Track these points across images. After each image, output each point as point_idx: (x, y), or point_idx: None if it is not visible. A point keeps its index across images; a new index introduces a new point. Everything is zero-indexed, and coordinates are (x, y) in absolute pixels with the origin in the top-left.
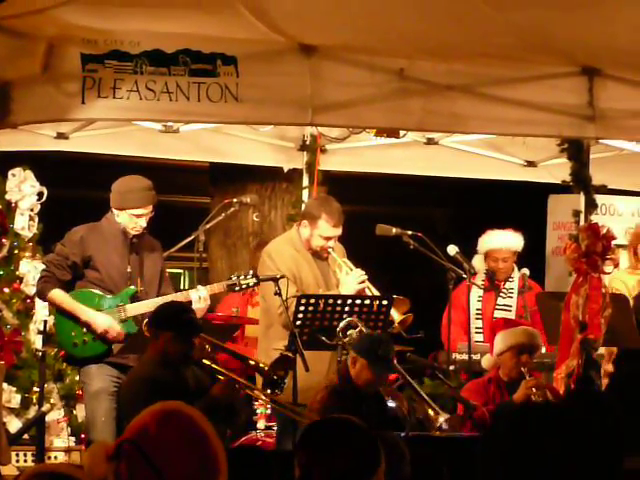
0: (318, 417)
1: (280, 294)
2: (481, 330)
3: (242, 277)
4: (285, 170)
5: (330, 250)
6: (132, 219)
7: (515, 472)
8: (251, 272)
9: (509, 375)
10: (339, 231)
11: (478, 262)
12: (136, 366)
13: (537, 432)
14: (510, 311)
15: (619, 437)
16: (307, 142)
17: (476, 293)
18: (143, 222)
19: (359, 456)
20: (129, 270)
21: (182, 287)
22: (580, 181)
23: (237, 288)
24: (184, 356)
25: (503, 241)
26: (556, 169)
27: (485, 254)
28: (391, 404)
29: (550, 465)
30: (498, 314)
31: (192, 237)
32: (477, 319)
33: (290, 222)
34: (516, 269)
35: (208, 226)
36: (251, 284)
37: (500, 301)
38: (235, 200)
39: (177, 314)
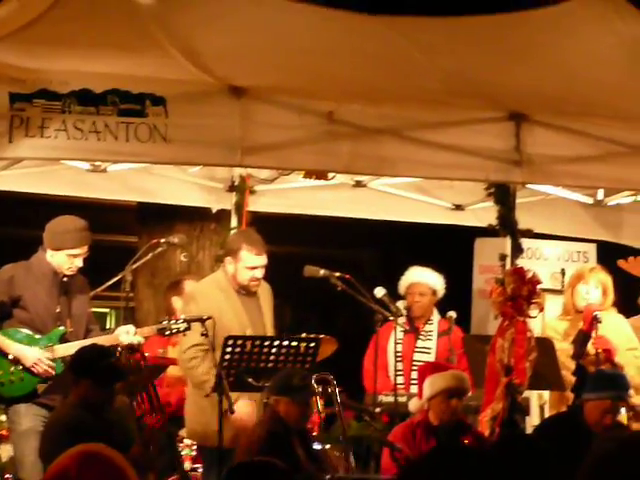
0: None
1: (207, 334)
2: (402, 372)
3: (172, 321)
4: (213, 211)
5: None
6: (69, 259)
7: None
8: (182, 317)
9: (440, 419)
10: (263, 259)
11: (402, 306)
12: (57, 408)
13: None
14: (429, 354)
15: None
16: (236, 183)
17: (396, 335)
18: (79, 262)
19: None
20: (58, 310)
21: (108, 327)
22: (506, 225)
23: (167, 332)
24: (104, 402)
25: (421, 276)
26: (483, 213)
27: (405, 290)
28: (317, 446)
29: None
30: (417, 357)
31: (119, 276)
32: (398, 361)
33: (218, 263)
34: (436, 312)
35: (135, 266)
36: (181, 329)
37: (419, 343)
38: (163, 240)
39: (96, 360)
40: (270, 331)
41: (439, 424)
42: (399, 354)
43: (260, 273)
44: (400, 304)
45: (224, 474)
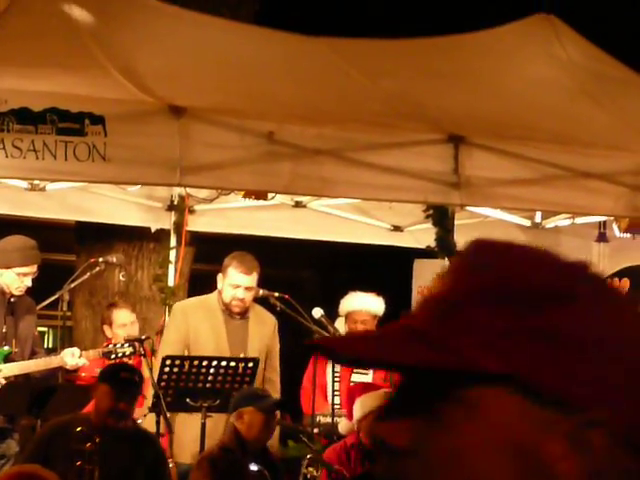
0: None
1: (145, 355)
2: (339, 393)
3: (118, 345)
4: (153, 230)
5: None
6: (18, 278)
7: None
8: (127, 340)
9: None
10: (249, 280)
11: (340, 325)
12: None
13: None
14: (367, 374)
15: None
16: (175, 202)
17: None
18: (29, 281)
19: None
20: (4, 330)
21: (46, 346)
22: (444, 247)
23: (113, 356)
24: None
25: (363, 303)
26: (422, 234)
27: (345, 316)
28: (253, 467)
29: None
30: (355, 377)
31: (57, 295)
32: (336, 382)
33: (157, 282)
34: None
35: (73, 285)
36: (127, 353)
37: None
38: (101, 259)
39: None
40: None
41: (370, 446)
42: (337, 374)
43: (242, 293)
44: (339, 323)
45: None
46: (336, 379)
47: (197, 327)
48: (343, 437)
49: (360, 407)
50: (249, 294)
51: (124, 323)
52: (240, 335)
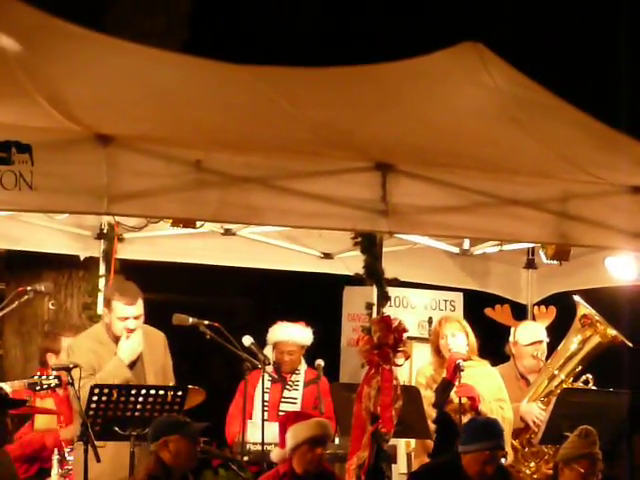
0: None
1: (72, 384)
2: (267, 421)
3: (44, 377)
4: (82, 258)
5: None
6: None
7: None
8: (54, 373)
9: (305, 468)
10: (134, 310)
11: (268, 353)
12: None
13: None
14: (295, 404)
15: None
16: (104, 231)
17: (264, 384)
18: None
19: None
20: None
21: None
22: (373, 274)
23: (38, 388)
24: None
25: (290, 334)
26: (351, 261)
27: (273, 345)
28: None
29: None
30: (284, 407)
31: None
32: (264, 410)
33: (86, 310)
34: (304, 362)
35: (2, 313)
36: (53, 385)
37: (286, 393)
38: (29, 288)
39: None
40: (152, 380)
41: (304, 474)
42: (266, 403)
43: (133, 324)
44: (267, 350)
45: None
46: (266, 408)
47: (98, 360)
48: (273, 465)
49: (293, 435)
50: (139, 322)
51: None
52: (136, 364)
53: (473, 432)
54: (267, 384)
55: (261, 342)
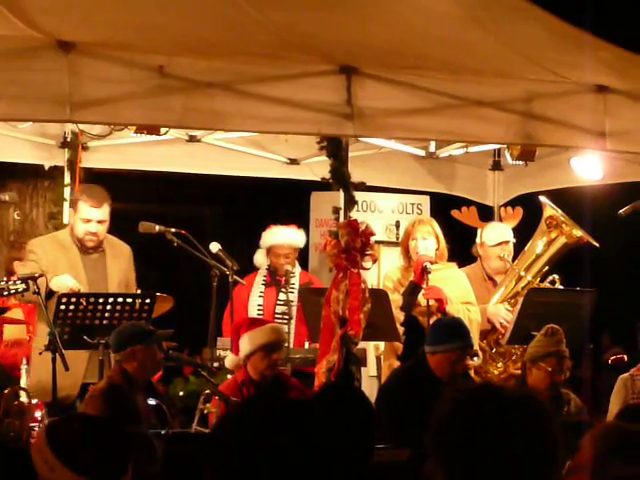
0: None
1: (39, 293)
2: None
3: (11, 282)
4: (46, 168)
5: None
6: None
7: (239, 471)
8: (18, 276)
9: (261, 374)
10: (100, 213)
11: (260, 257)
12: None
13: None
14: (293, 306)
15: (366, 430)
16: (68, 139)
17: (257, 289)
18: None
19: (106, 455)
20: None
21: None
22: (339, 178)
23: (5, 293)
24: None
25: (284, 237)
26: (318, 166)
27: (267, 250)
28: (151, 402)
29: (278, 462)
30: (280, 309)
31: None
32: (259, 314)
33: (52, 220)
34: (297, 265)
35: None
36: (20, 290)
37: (282, 296)
38: None
39: None
40: (114, 290)
41: (260, 379)
42: (260, 307)
43: (95, 227)
44: (260, 254)
45: (45, 429)
46: (260, 312)
47: (56, 263)
48: None
49: (249, 342)
50: (102, 227)
51: None
52: (98, 270)
53: (442, 332)
54: (261, 288)
55: (229, 249)
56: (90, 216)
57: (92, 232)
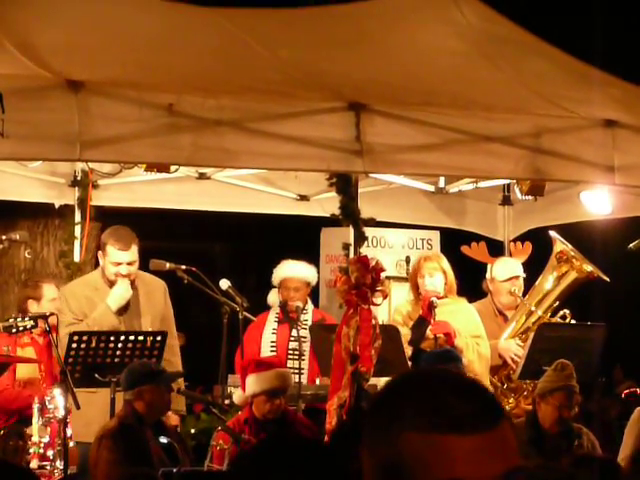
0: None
1: (50, 332)
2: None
3: (19, 319)
4: (57, 206)
5: None
6: None
7: None
8: (29, 315)
9: (264, 416)
10: (127, 256)
11: (273, 297)
12: None
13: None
14: (305, 342)
15: None
16: (78, 177)
17: (270, 326)
18: None
19: None
20: None
21: None
22: (349, 214)
23: (14, 330)
24: None
25: (295, 270)
26: (327, 203)
27: (279, 284)
28: (163, 440)
29: None
30: (293, 345)
31: None
32: (272, 351)
33: (62, 258)
34: (310, 302)
35: None
36: (28, 326)
37: (295, 333)
38: (4, 237)
39: None
40: (147, 327)
41: (263, 420)
42: (273, 344)
43: (125, 269)
44: (273, 293)
45: None
46: (273, 349)
47: (90, 306)
48: None
49: (253, 384)
50: (132, 268)
51: (54, 297)
52: (132, 309)
53: (428, 360)
54: (274, 325)
55: (239, 286)
56: (120, 259)
57: (123, 274)
